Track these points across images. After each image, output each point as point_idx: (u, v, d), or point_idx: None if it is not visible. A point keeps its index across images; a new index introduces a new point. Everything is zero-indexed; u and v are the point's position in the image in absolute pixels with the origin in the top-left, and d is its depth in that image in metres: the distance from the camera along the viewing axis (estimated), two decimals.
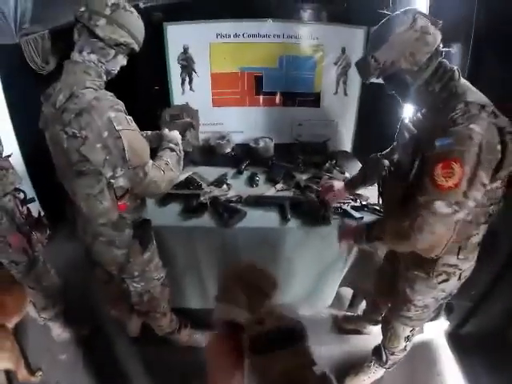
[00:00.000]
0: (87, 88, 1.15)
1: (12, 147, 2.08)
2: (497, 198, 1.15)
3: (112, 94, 1.20)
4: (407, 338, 1.56)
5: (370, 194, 1.73)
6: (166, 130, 1.46)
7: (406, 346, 1.60)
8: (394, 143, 1.48)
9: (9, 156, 1.52)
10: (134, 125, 1.20)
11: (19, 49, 2.01)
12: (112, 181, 1.22)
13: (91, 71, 1.18)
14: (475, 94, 1.08)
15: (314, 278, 1.81)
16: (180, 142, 1.44)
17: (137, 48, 1.24)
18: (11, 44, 2.01)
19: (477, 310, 1.86)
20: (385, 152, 1.52)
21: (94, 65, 1.19)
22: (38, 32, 2.07)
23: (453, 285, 1.32)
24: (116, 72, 1.27)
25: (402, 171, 1.21)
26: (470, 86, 1.12)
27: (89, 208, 1.29)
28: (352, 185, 1.64)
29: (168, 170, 1.29)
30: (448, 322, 2.07)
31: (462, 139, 0.99)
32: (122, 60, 1.25)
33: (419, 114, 1.25)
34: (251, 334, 0.59)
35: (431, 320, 1.48)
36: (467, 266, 1.28)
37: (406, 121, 1.30)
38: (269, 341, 0.56)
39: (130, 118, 1.20)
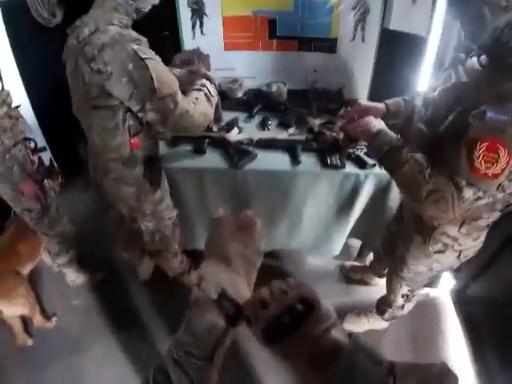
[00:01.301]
0: (113, 24, 1.13)
1: (22, 100, 2.08)
2: None
3: (138, 35, 1.17)
4: (406, 297, 1.55)
5: None
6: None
7: (403, 305, 1.60)
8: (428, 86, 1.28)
9: (18, 106, 1.51)
10: (158, 57, 1.18)
11: (25, 3, 1.97)
12: (140, 114, 1.21)
13: (120, 8, 1.16)
14: None
15: (323, 225, 1.80)
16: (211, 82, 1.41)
17: None
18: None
19: (483, 272, 1.85)
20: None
21: (124, 2, 1.16)
22: None
23: (450, 260, 1.25)
24: (146, 10, 1.23)
25: (433, 118, 1.06)
26: None
27: (102, 142, 1.30)
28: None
29: (199, 104, 1.28)
30: (455, 281, 2.06)
31: None
32: None
33: (475, 60, 1.01)
34: (259, 325, 0.48)
35: (426, 286, 1.44)
36: (469, 243, 1.19)
37: (459, 65, 1.06)
38: (282, 326, 0.47)
39: (153, 52, 1.18)
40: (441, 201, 0.90)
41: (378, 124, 1.13)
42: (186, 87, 1.35)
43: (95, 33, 1.11)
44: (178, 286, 1.90)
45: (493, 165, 0.82)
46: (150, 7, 1.24)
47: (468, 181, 0.86)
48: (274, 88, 1.95)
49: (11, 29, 2.04)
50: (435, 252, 1.23)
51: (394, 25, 1.98)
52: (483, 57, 0.98)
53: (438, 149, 0.97)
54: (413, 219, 1.29)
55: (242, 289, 0.54)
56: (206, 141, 1.65)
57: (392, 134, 1.11)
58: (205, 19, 2.05)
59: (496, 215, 1.10)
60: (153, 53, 1.17)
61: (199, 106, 1.28)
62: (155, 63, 1.15)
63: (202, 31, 2.07)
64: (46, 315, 1.86)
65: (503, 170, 0.83)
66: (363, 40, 2.04)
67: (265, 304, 0.48)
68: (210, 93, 1.36)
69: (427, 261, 1.29)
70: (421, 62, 1.90)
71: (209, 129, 1.67)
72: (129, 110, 1.22)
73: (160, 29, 2.12)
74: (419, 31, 1.93)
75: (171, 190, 1.58)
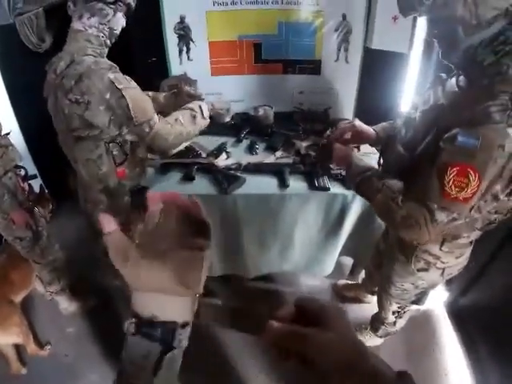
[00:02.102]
0: (88, 55, 1.16)
1: (12, 126, 2.09)
2: (505, 209, 1.01)
3: (112, 63, 1.20)
4: (396, 313, 1.56)
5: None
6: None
7: (395, 322, 1.61)
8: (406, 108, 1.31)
9: (7, 134, 1.52)
10: (133, 83, 1.22)
11: (14, 28, 2.00)
12: (118, 139, 1.24)
13: (93, 39, 1.20)
14: None
15: (314, 246, 1.81)
16: (201, 105, 1.43)
17: (132, 2, 1.23)
18: (6, 24, 1.99)
19: (476, 281, 1.87)
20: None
21: (96, 31, 1.20)
22: (32, 11, 2.03)
23: (434, 277, 1.27)
24: (118, 32, 1.27)
25: (412, 140, 1.06)
26: None
27: (88, 174, 1.31)
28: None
29: (177, 125, 1.31)
30: (448, 293, 2.08)
31: (490, 146, 0.79)
32: (122, 19, 1.26)
33: (453, 82, 1.01)
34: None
35: (414, 303, 1.45)
36: (453, 261, 1.20)
37: (438, 87, 1.08)
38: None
39: (129, 77, 1.21)
40: (415, 225, 0.92)
41: (351, 153, 1.18)
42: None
43: (71, 64, 1.15)
44: None
45: (463, 189, 0.83)
46: (120, 29, 1.27)
47: (439, 205, 0.88)
48: (261, 111, 1.98)
49: (1, 54, 2.06)
50: (418, 270, 1.25)
51: (376, 44, 2.04)
52: (461, 77, 0.99)
53: (414, 172, 0.99)
54: (396, 239, 1.32)
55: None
56: (195, 167, 1.66)
57: (364, 162, 1.15)
58: (191, 45, 2.08)
59: (477, 234, 1.12)
60: (129, 79, 1.21)
61: (176, 128, 1.31)
62: (131, 91, 1.18)
63: (188, 57, 2.10)
64: (40, 343, 1.84)
65: (474, 194, 0.84)
66: (347, 60, 2.09)
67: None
68: (201, 114, 1.39)
69: (412, 278, 1.31)
70: (404, 80, 1.95)
71: (197, 155, 1.70)
72: (111, 140, 1.24)
73: (147, 55, 2.16)
74: (401, 49, 1.99)
75: None
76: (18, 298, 1.77)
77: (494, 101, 0.80)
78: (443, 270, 1.23)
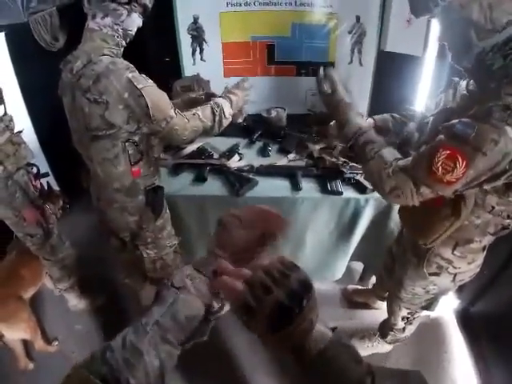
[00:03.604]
0: (104, 55, 1.17)
1: (25, 125, 2.10)
2: None
3: (128, 63, 1.20)
4: (406, 319, 1.55)
5: None
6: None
7: (404, 328, 1.59)
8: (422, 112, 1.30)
9: (20, 132, 1.53)
10: (150, 81, 1.21)
11: (28, 27, 2.01)
12: (133, 137, 1.26)
13: (109, 39, 1.20)
14: None
15: (324, 250, 1.80)
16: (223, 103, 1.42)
17: (149, 3, 1.23)
18: (20, 23, 2.00)
19: (487, 289, 1.84)
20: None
21: (110, 31, 1.19)
22: (46, 9, 2.05)
23: (445, 282, 1.26)
24: (133, 33, 1.27)
25: (422, 144, 1.05)
26: None
27: (104, 173, 1.32)
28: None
29: (194, 120, 1.30)
30: (458, 301, 2.05)
31: (485, 139, 0.80)
32: (137, 19, 1.25)
33: (464, 88, 1.02)
34: (264, 312, 0.43)
35: (424, 309, 1.44)
36: (465, 266, 1.20)
37: (449, 90, 1.09)
38: (286, 312, 0.43)
39: (145, 76, 1.21)
40: (401, 196, 0.96)
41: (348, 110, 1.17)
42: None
43: (88, 64, 1.14)
44: None
45: (448, 173, 0.85)
46: (135, 30, 1.26)
47: (424, 181, 0.91)
48: (274, 113, 1.97)
49: (15, 52, 2.08)
50: (430, 274, 1.24)
51: (390, 47, 2.03)
52: (471, 81, 1.00)
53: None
54: (410, 241, 1.31)
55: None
56: (207, 168, 1.66)
57: (360, 119, 1.15)
58: (204, 46, 2.09)
59: (489, 239, 1.12)
60: (146, 77, 1.20)
61: (193, 122, 1.30)
62: (149, 89, 1.18)
63: (201, 57, 2.11)
64: (48, 339, 1.85)
65: (458, 180, 0.85)
66: (360, 63, 2.08)
67: (267, 289, 0.44)
68: (222, 111, 1.37)
69: (423, 282, 1.30)
70: (418, 82, 1.93)
71: (209, 156, 1.70)
72: (127, 139, 1.24)
73: (161, 55, 2.17)
74: (415, 52, 1.97)
75: (173, 218, 1.59)
76: (28, 295, 1.78)
77: (497, 101, 0.81)
78: (455, 275, 1.22)
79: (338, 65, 2.08)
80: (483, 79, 0.92)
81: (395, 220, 1.66)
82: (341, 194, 1.60)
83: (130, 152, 1.28)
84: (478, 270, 1.24)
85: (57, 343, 1.87)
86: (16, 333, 1.65)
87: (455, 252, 1.15)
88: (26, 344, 1.76)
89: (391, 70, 2.02)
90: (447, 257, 1.18)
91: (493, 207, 1.00)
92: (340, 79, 1.24)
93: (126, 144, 1.26)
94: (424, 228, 1.14)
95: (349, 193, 1.62)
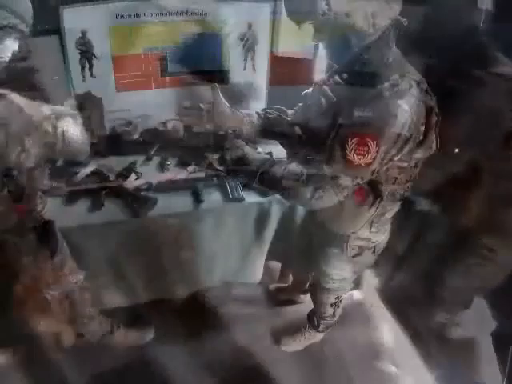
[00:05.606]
0: None
1: None
2: (412, 176, 1.14)
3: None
4: (334, 305, 1.63)
5: None
6: None
7: (334, 312, 1.68)
8: (300, 107, 1.43)
9: None
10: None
11: None
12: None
13: None
14: (409, 68, 0.99)
15: (238, 256, 1.82)
16: None
17: (25, 29, 1.12)
18: None
19: (402, 262, 1.98)
20: (292, 115, 1.44)
21: None
22: None
23: (367, 258, 1.36)
24: (6, 59, 1.14)
25: (316, 139, 1.11)
26: (403, 58, 1.02)
27: None
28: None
29: None
30: (377, 278, 2.23)
31: (385, 116, 0.90)
32: (12, 45, 1.12)
33: (338, 78, 1.11)
34: None
35: (353, 289, 1.56)
36: (380, 238, 1.31)
37: (324, 86, 1.16)
38: None
39: None
40: (324, 195, 1.02)
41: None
42: None
43: None
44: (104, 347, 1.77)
45: (364, 156, 0.93)
46: (10, 55, 1.16)
47: (344, 173, 0.98)
48: (170, 126, 1.95)
49: None
50: (353, 256, 1.33)
51: (281, 51, 2.11)
52: (344, 74, 1.09)
53: (315, 153, 1.08)
54: (324, 234, 1.36)
55: None
56: (104, 192, 1.58)
57: (258, 155, 1.23)
58: (94, 60, 1.99)
59: (398, 205, 1.23)
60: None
61: None
62: None
63: (91, 73, 2.00)
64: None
65: (374, 159, 0.94)
66: (254, 69, 2.13)
67: None
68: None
69: (349, 266, 1.39)
70: (311, 84, 2.03)
71: (105, 178, 1.63)
72: (6, 174, 1.15)
73: (49, 73, 2.01)
74: (306, 55, 2.08)
75: (73, 251, 1.47)
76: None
77: (383, 83, 0.92)
78: (374, 248, 1.33)
79: (232, 72, 2.11)
80: (360, 69, 1.02)
81: (301, 216, 1.72)
82: (243, 200, 1.64)
83: (9, 188, 1.18)
84: (389, 236, 1.36)
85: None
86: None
87: (372, 229, 1.25)
88: None
89: (285, 74, 2.11)
90: (366, 236, 1.27)
91: (395, 178, 1.10)
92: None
93: (5, 179, 1.16)
94: (353, 221, 1.23)
95: (251, 198, 1.66)
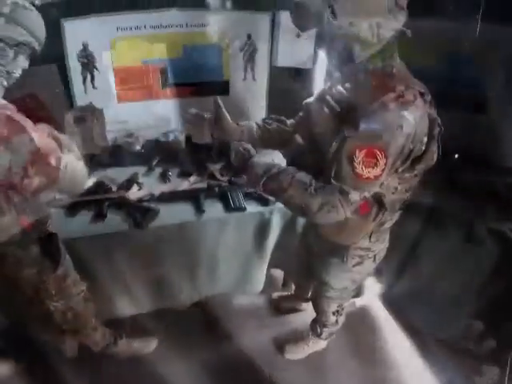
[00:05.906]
0: None
1: None
2: (412, 186, 1.14)
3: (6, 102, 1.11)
4: (336, 313, 1.63)
5: None
6: None
7: (337, 320, 1.67)
8: (300, 117, 1.40)
9: None
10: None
11: None
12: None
13: None
14: (413, 79, 1.00)
15: (240, 265, 1.82)
16: None
17: (37, 47, 1.15)
18: None
19: (405, 268, 1.99)
20: (292, 124, 1.44)
21: None
22: None
23: (368, 266, 1.36)
24: (18, 75, 1.16)
25: (319, 147, 1.12)
26: (406, 69, 1.02)
27: None
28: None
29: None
30: (380, 285, 2.22)
31: (391, 128, 0.90)
32: (24, 62, 1.14)
33: (341, 88, 1.11)
34: None
35: (354, 297, 1.56)
36: (380, 247, 1.32)
37: (327, 96, 1.14)
38: None
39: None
40: (332, 210, 0.99)
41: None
42: None
43: None
44: (107, 357, 1.77)
45: (373, 168, 0.92)
46: (20, 72, 1.19)
47: (353, 186, 0.96)
48: (171, 137, 1.96)
49: None
50: (354, 265, 1.33)
51: (281, 61, 2.13)
52: (347, 84, 1.09)
53: (321, 163, 1.06)
54: (325, 244, 1.36)
55: None
56: (106, 203, 1.59)
57: (264, 161, 1.16)
58: (95, 72, 2.01)
59: (397, 215, 1.23)
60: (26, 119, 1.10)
61: None
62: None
63: (93, 85, 2.03)
64: None
65: (383, 171, 0.94)
66: (254, 79, 2.16)
67: None
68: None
69: (349, 275, 1.38)
70: (311, 94, 2.05)
71: (107, 190, 1.64)
72: (10, 186, 1.16)
73: (51, 86, 2.04)
74: (305, 65, 2.10)
75: (76, 262, 1.48)
76: None
77: (387, 94, 0.92)
78: (374, 256, 1.33)
79: (232, 82, 2.14)
80: (364, 80, 1.01)
81: (301, 226, 1.73)
82: (244, 209, 1.65)
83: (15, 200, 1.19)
84: (388, 244, 1.36)
85: None
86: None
87: (372, 239, 1.25)
88: None
89: (284, 83, 2.13)
90: (366, 246, 1.27)
91: (396, 188, 1.10)
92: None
93: (10, 192, 1.17)
94: (355, 233, 1.23)
95: (252, 207, 1.67)
